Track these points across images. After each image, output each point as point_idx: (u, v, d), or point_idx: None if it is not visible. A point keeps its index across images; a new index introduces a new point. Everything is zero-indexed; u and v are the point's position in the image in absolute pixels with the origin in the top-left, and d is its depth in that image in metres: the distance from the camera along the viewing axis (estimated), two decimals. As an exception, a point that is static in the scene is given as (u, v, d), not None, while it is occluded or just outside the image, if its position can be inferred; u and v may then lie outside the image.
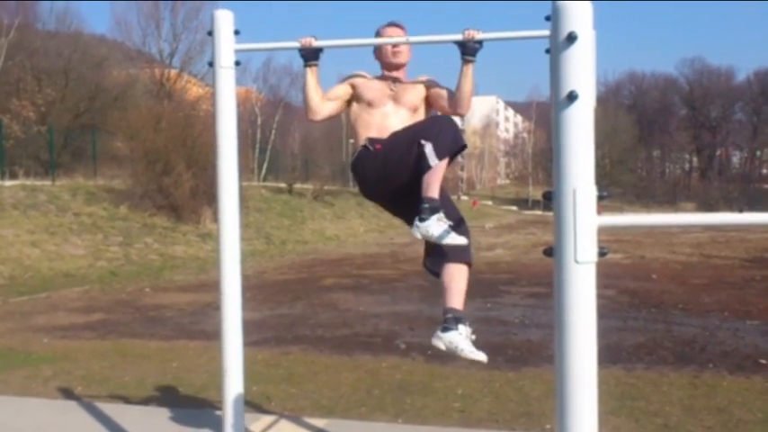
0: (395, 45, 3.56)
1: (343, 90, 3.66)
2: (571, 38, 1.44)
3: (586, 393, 1.52)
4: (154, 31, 44.21)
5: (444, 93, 3.57)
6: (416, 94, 3.55)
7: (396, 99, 3.53)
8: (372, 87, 3.57)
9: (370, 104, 3.54)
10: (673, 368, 6.39)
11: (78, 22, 47.26)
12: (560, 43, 1.47)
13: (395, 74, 3.61)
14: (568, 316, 1.50)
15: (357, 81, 3.65)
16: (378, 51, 3.65)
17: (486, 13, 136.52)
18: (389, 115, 3.50)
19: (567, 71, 1.46)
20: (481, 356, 3.34)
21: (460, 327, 3.50)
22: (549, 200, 1.51)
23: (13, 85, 30.83)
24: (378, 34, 3.65)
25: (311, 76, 3.58)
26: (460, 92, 3.45)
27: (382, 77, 3.63)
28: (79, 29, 39.61)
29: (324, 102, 3.63)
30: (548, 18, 2.27)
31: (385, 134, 3.46)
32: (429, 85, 3.60)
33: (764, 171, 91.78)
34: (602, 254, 1.49)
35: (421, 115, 3.56)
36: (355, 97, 3.62)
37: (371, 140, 3.46)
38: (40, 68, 32.11)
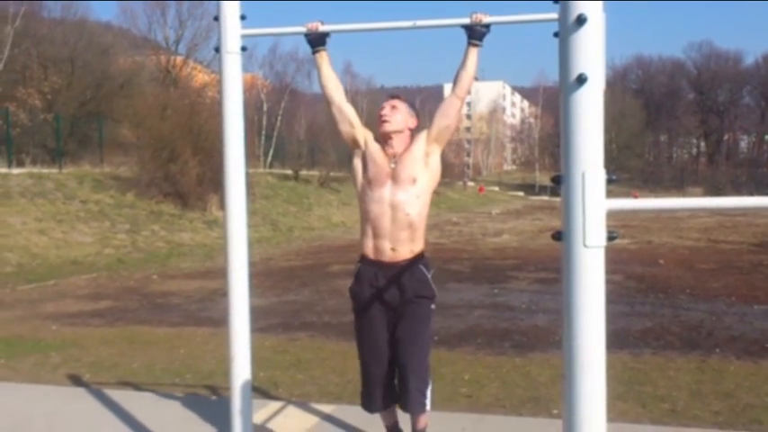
0: (381, 115, 3.51)
1: (359, 129, 3.58)
2: (581, 20, 1.43)
3: (595, 378, 1.51)
4: (159, 18, 44.16)
5: (440, 110, 3.51)
6: (413, 162, 3.44)
7: (394, 177, 3.43)
8: (376, 162, 3.48)
9: (369, 184, 3.48)
10: (680, 353, 6.39)
11: (84, 9, 47.36)
12: (569, 26, 1.45)
13: (392, 145, 3.50)
14: (577, 300, 1.49)
15: (371, 142, 3.55)
16: (378, 124, 3.56)
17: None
18: (385, 201, 3.43)
19: (576, 54, 1.45)
20: None
21: None
22: (558, 183, 1.50)
23: (20, 72, 30.83)
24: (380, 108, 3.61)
25: (322, 61, 3.55)
26: (465, 72, 3.41)
27: (385, 151, 3.51)
28: (85, 16, 39.53)
29: (344, 98, 3.62)
30: (555, 0, 2.25)
31: (384, 228, 3.44)
32: (427, 134, 3.50)
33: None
34: (611, 238, 1.48)
35: (423, 182, 3.46)
36: (362, 161, 3.54)
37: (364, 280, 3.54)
38: (46, 56, 32.08)
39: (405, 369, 3.46)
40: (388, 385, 3.56)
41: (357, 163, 3.56)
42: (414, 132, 3.57)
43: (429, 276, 3.53)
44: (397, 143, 3.50)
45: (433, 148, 3.48)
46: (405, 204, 3.42)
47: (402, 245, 3.44)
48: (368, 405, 3.63)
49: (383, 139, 3.52)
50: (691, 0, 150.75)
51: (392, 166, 3.46)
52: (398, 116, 3.51)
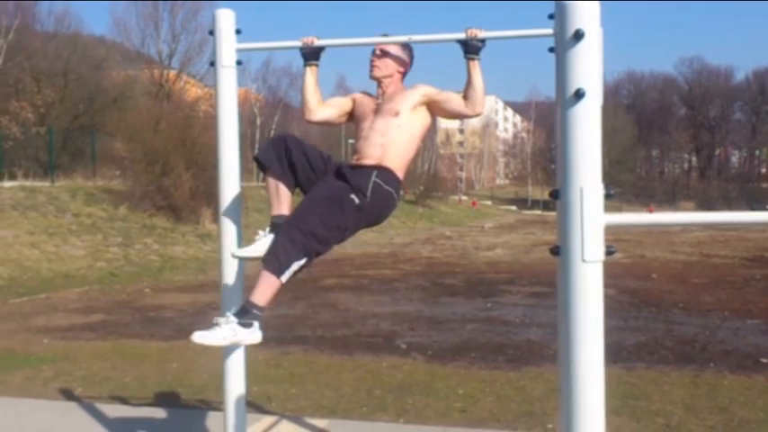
0: (371, 61, 3.60)
1: (344, 101, 3.72)
2: (578, 35, 1.43)
3: (593, 393, 1.51)
4: (153, 32, 44.21)
5: (452, 96, 3.53)
6: (402, 100, 3.52)
7: (377, 110, 3.54)
8: (363, 103, 3.63)
9: (357, 122, 3.61)
10: (674, 367, 6.38)
11: (77, 23, 47.27)
12: (567, 41, 1.45)
13: (384, 87, 3.61)
14: (575, 315, 1.48)
15: (357, 96, 3.71)
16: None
17: (482, 13, 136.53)
18: (365, 128, 3.53)
19: (573, 69, 1.45)
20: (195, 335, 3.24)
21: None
22: (556, 198, 1.50)
23: (12, 86, 30.81)
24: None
25: (310, 75, 3.59)
26: (474, 90, 3.42)
27: (375, 95, 3.66)
28: (78, 30, 39.65)
29: (321, 104, 3.66)
30: (551, 16, 2.26)
31: (358, 145, 3.52)
32: (428, 92, 3.55)
33: (763, 170, 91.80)
34: (608, 252, 1.48)
35: (407, 119, 3.50)
36: (353, 112, 3.68)
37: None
38: (38, 70, 32.08)
39: (283, 227, 3.28)
40: (286, 155, 3.39)
41: (353, 116, 3.68)
42: (405, 74, 3.66)
43: (373, 179, 3.36)
44: (388, 85, 3.60)
45: (423, 107, 3.54)
46: (383, 129, 3.47)
47: (366, 159, 3.45)
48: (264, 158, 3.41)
49: (378, 85, 3.62)
50: (682, 16, 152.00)
51: (378, 102, 3.57)
52: (387, 60, 3.59)
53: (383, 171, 3.39)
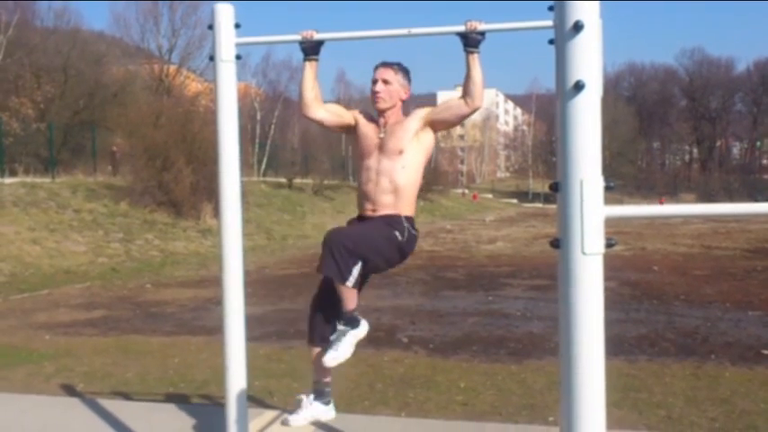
0: (374, 92, 3.61)
1: (346, 115, 3.73)
2: (577, 27, 1.42)
3: (594, 386, 1.50)
4: (152, 27, 44.21)
5: (449, 103, 3.58)
6: (403, 134, 3.54)
7: (381, 147, 3.55)
8: (366, 133, 3.62)
9: (361, 155, 3.63)
10: (675, 359, 6.39)
11: (77, 18, 47.42)
12: (566, 32, 1.44)
13: (386, 116, 3.62)
14: (575, 308, 1.48)
15: (360, 118, 3.69)
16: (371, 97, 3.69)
17: (482, 6, 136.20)
18: (372, 169, 3.57)
19: (573, 60, 1.44)
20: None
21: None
22: (556, 190, 1.49)
23: (12, 82, 30.80)
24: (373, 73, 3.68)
25: (309, 70, 3.59)
26: (473, 82, 3.43)
27: (377, 121, 3.65)
28: (78, 25, 39.60)
29: (320, 102, 3.68)
30: (551, 8, 2.25)
31: (368, 190, 3.58)
32: (426, 114, 3.59)
33: (764, 162, 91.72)
34: (609, 245, 1.47)
35: (411, 155, 3.56)
36: (354, 137, 3.69)
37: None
38: (38, 65, 32.07)
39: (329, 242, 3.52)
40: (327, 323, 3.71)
41: (353, 141, 3.71)
42: (405, 103, 3.69)
43: (405, 225, 3.58)
44: (389, 114, 3.62)
45: (425, 130, 3.58)
46: (389, 172, 3.51)
47: (382, 207, 3.54)
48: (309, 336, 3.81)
49: (377, 113, 3.64)
50: (683, 7, 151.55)
51: (381, 136, 3.57)
52: (391, 89, 3.61)
53: (407, 218, 3.60)
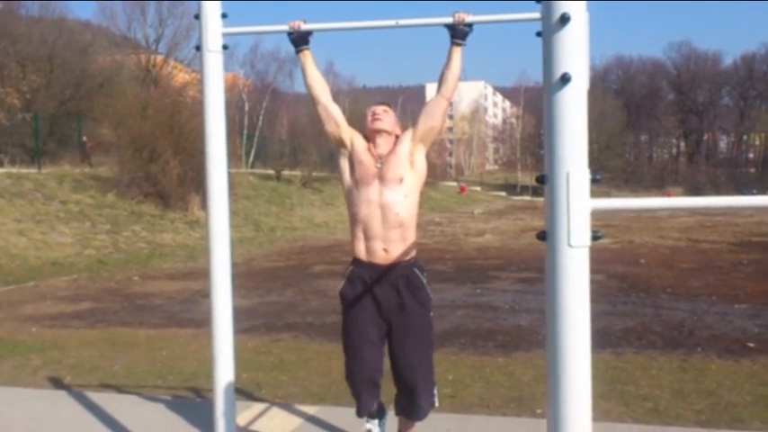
0: (375, 114, 3.52)
1: (344, 128, 3.57)
2: (564, 19, 1.42)
3: (580, 378, 1.51)
4: (139, 16, 43.95)
5: (427, 109, 3.52)
6: (399, 162, 3.45)
7: (381, 177, 3.43)
8: (362, 162, 3.47)
9: (356, 184, 3.47)
10: (662, 352, 6.42)
11: (62, 7, 47.04)
12: (553, 25, 1.44)
13: (379, 144, 3.50)
14: (562, 300, 1.48)
15: (357, 142, 3.53)
16: (365, 126, 3.56)
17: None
18: (374, 202, 3.41)
19: (559, 53, 1.44)
20: None
21: None
22: (543, 183, 1.49)
23: (-3, 72, 30.55)
24: (366, 115, 3.59)
25: (306, 60, 3.52)
26: (450, 72, 3.41)
27: (371, 151, 3.49)
28: (63, 14, 39.26)
29: (327, 93, 3.57)
30: (538, 0, 2.25)
31: (375, 229, 3.42)
32: (411, 133, 3.51)
33: (751, 155, 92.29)
34: (595, 237, 1.47)
35: (410, 181, 3.46)
36: (349, 157, 3.53)
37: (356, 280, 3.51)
38: (24, 55, 31.78)
39: (413, 385, 3.43)
40: (375, 385, 3.51)
41: (344, 163, 3.53)
42: (397, 139, 3.56)
43: (425, 281, 3.50)
44: (383, 144, 3.49)
45: (417, 148, 3.47)
46: (394, 204, 3.40)
47: (394, 245, 3.41)
48: (360, 411, 3.57)
49: (371, 137, 3.51)
50: (670, 0, 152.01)
51: (378, 166, 3.45)
52: (390, 119, 3.54)
53: (417, 263, 3.53)
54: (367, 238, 3.44)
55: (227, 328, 3.46)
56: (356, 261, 3.49)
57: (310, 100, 3.62)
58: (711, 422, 4.47)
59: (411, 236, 3.48)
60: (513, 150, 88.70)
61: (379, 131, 3.50)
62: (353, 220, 3.49)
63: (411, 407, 3.49)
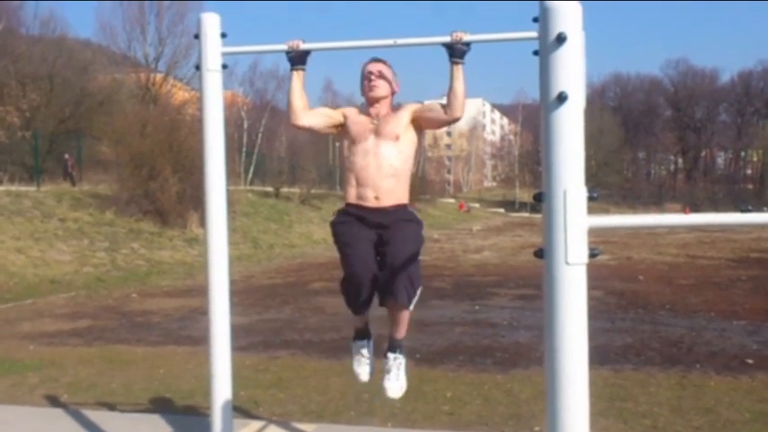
0: (371, 80, 3.63)
1: (334, 113, 3.75)
2: (560, 39, 1.44)
3: (578, 395, 1.51)
4: (139, 35, 44.09)
5: (434, 107, 3.63)
6: (397, 122, 3.59)
7: (377, 132, 3.57)
8: (358, 121, 3.64)
9: (353, 141, 3.61)
10: (660, 369, 6.41)
11: (63, 26, 46.94)
12: (549, 44, 1.46)
13: (377, 107, 3.64)
14: (559, 318, 1.49)
15: (348, 112, 3.72)
16: (362, 89, 3.71)
17: (470, 15, 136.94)
18: (370, 152, 3.55)
19: (556, 72, 1.46)
20: (392, 391, 3.96)
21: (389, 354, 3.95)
22: (540, 201, 1.50)
23: (-3, 90, 30.62)
24: (362, 69, 3.71)
25: (297, 80, 3.61)
26: (455, 95, 3.46)
27: (367, 113, 3.66)
28: (64, 33, 39.39)
29: (307, 110, 3.69)
30: (535, 19, 2.27)
31: (368, 176, 3.53)
32: (414, 109, 3.65)
33: (749, 172, 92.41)
34: (592, 255, 1.48)
35: (405, 143, 3.60)
36: (344, 130, 3.68)
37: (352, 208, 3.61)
38: (24, 73, 31.87)
39: (394, 269, 3.48)
40: (371, 281, 3.58)
41: (343, 132, 3.70)
42: (395, 96, 3.75)
43: (418, 217, 3.67)
44: (382, 105, 3.65)
45: (411, 127, 3.63)
46: (388, 155, 3.54)
47: (385, 194, 3.54)
48: (355, 306, 3.77)
49: (370, 103, 3.66)
50: (668, 18, 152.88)
51: (375, 123, 3.59)
52: (385, 82, 3.65)
53: (410, 210, 3.66)
54: (359, 185, 3.57)
55: (225, 345, 3.45)
56: (347, 205, 3.62)
57: (289, 116, 3.71)
58: (711, 439, 4.45)
59: (403, 190, 3.61)
60: (512, 167, 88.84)
61: (376, 99, 3.65)
62: (348, 169, 3.62)
63: (390, 287, 3.52)
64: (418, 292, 3.59)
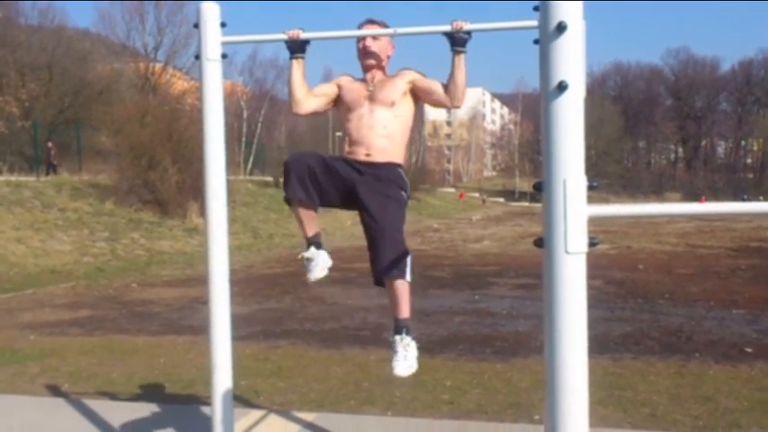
0: (364, 46, 3.62)
1: (330, 88, 3.73)
2: (561, 28, 1.43)
3: (577, 384, 1.51)
4: (138, 25, 44.09)
5: (435, 86, 3.56)
6: (393, 88, 3.57)
7: (372, 98, 3.56)
8: (352, 89, 3.63)
9: (349, 108, 3.60)
10: (659, 358, 6.42)
11: (61, 16, 47.04)
12: (550, 33, 1.45)
13: (373, 73, 3.64)
14: (559, 307, 1.49)
15: (342, 81, 3.71)
16: (358, 54, 3.70)
17: (471, 4, 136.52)
18: (364, 116, 3.55)
19: (556, 61, 1.45)
20: (399, 369, 3.72)
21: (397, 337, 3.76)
22: (540, 190, 1.50)
23: (-4, 80, 30.58)
24: (357, 39, 3.71)
25: (297, 68, 3.59)
26: (455, 84, 3.45)
27: (363, 79, 3.67)
28: (62, 23, 39.35)
29: (308, 96, 3.66)
30: (536, 8, 2.27)
31: (361, 135, 3.53)
32: (413, 78, 3.62)
33: (749, 161, 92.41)
34: (592, 244, 1.48)
35: (401, 108, 3.58)
36: (340, 98, 3.68)
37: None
38: (23, 63, 31.84)
39: (379, 246, 3.38)
40: (310, 179, 3.43)
41: (339, 101, 3.69)
42: (390, 59, 3.74)
43: (405, 179, 3.58)
44: (377, 71, 3.65)
45: (408, 95, 3.61)
46: (383, 119, 3.53)
47: (377, 151, 3.52)
48: (290, 192, 3.45)
49: (365, 69, 3.66)
50: (668, 7, 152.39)
51: (370, 89, 3.58)
52: (380, 45, 3.64)
53: (402, 168, 3.59)
54: (351, 143, 3.58)
55: (226, 335, 3.46)
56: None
57: (291, 106, 3.70)
58: (709, 428, 4.47)
59: (397, 153, 3.58)
60: (512, 156, 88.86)
61: (371, 66, 3.64)
62: (344, 134, 3.66)
63: (379, 262, 3.39)
64: (408, 260, 3.40)
